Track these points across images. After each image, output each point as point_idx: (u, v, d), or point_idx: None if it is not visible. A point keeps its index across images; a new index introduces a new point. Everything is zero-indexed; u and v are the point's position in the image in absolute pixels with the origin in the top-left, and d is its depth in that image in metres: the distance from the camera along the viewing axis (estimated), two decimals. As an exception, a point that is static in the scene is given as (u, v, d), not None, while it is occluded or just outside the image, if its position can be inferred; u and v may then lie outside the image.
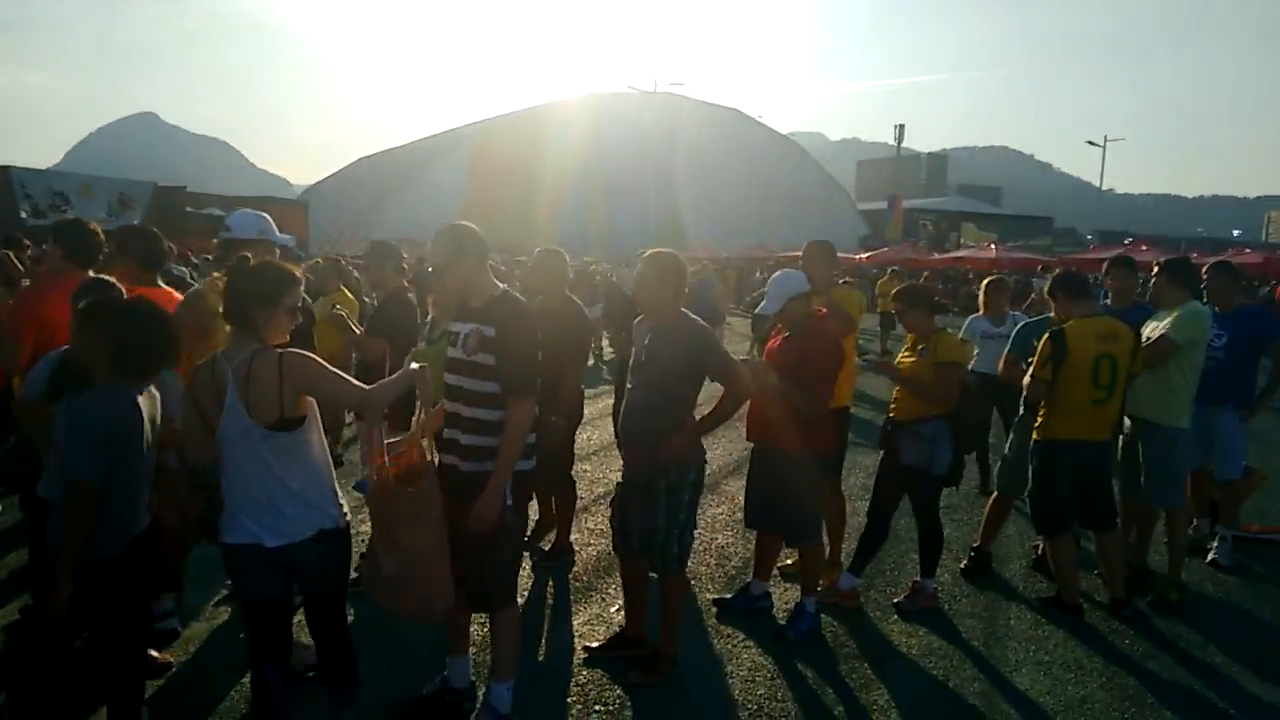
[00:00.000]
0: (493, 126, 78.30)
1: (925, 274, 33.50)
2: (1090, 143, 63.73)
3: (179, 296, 4.31)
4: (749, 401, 4.47)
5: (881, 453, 5.09)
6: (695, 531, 6.02)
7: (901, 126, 74.03)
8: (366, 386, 3.17)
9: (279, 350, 2.91)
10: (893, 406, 5.01)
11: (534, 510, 5.62)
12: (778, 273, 4.73)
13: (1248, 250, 47.26)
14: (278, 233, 4.72)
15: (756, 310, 4.76)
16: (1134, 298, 5.87)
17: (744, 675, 4.10)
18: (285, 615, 3.16)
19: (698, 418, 4.00)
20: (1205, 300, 5.58)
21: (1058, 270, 5.27)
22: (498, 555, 3.39)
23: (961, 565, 5.53)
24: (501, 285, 3.51)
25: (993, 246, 42.51)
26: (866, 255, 41.41)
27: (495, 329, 3.31)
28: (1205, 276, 5.70)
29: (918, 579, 5.03)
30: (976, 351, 7.01)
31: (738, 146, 77.31)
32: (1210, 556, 5.77)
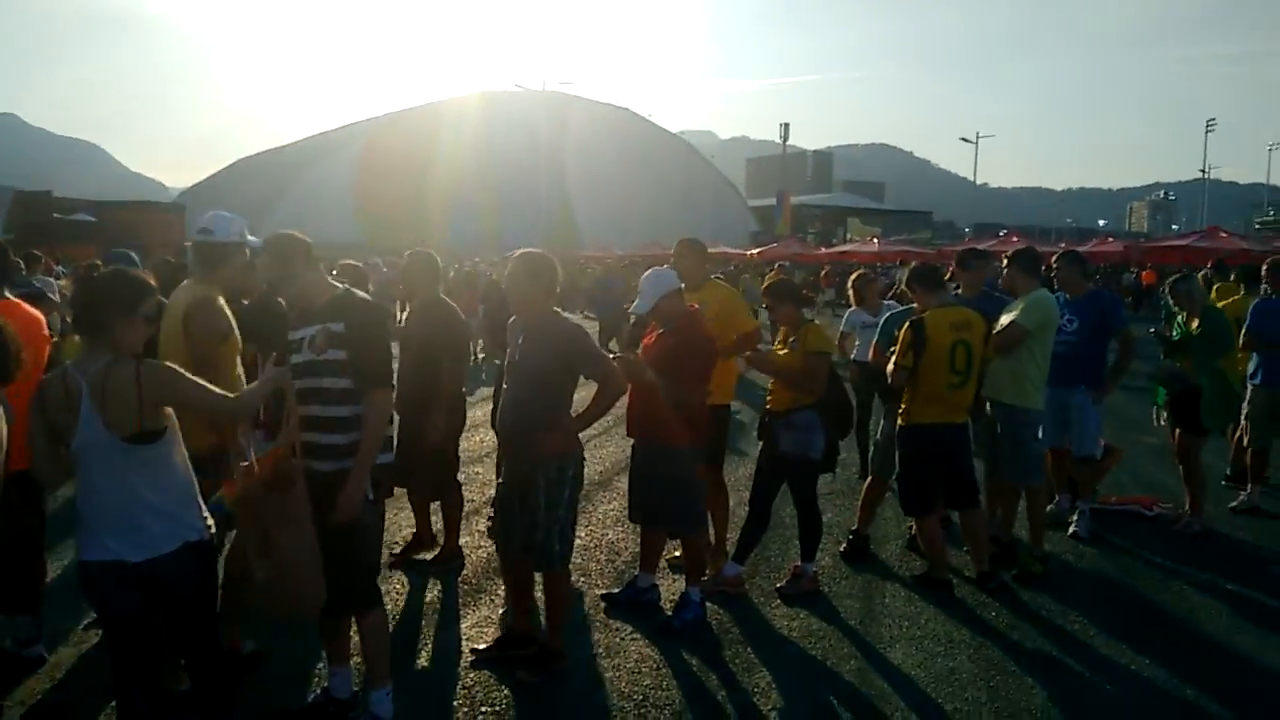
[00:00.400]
0: (381, 125, 76.60)
1: (825, 269, 34.50)
2: (964, 139, 66.59)
3: (31, 310, 4.10)
4: (628, 398, 4.56)
5: (761, 444, 5.24)
6: (586, 528, 6.17)
7: (787, 125, 75.72)
8: (229, 395, 3.10)
9: (136, 360, 2.82)
10: (768, 399, 5.16)
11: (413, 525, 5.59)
12: (649, 271, 4.81)
13: (1111, 239, 50.23)
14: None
15: (630, 309, 4.85)
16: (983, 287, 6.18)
17: (630, 667, 4.17)
18: (151, 636, 3.05)
19: (574, 415, 4.05)
20: (1055, 288, 5.92)
21: (913, 264, 5.52)
22: (357, 555, 3.38)
23: (841, 548, 5.73)
24: (341, 285, 3.52)
25: (876, 240, 44.02)
26: (757, 251, 42.32)
27: (344, 323, 3.33)
28: (1054, 265, 6.05)
29: (799, 564, 5.20)
30: (858, 343, 7.32)
31: (629, 145, 77.74)
32: (1071, 529, 6.13)
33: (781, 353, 5.09)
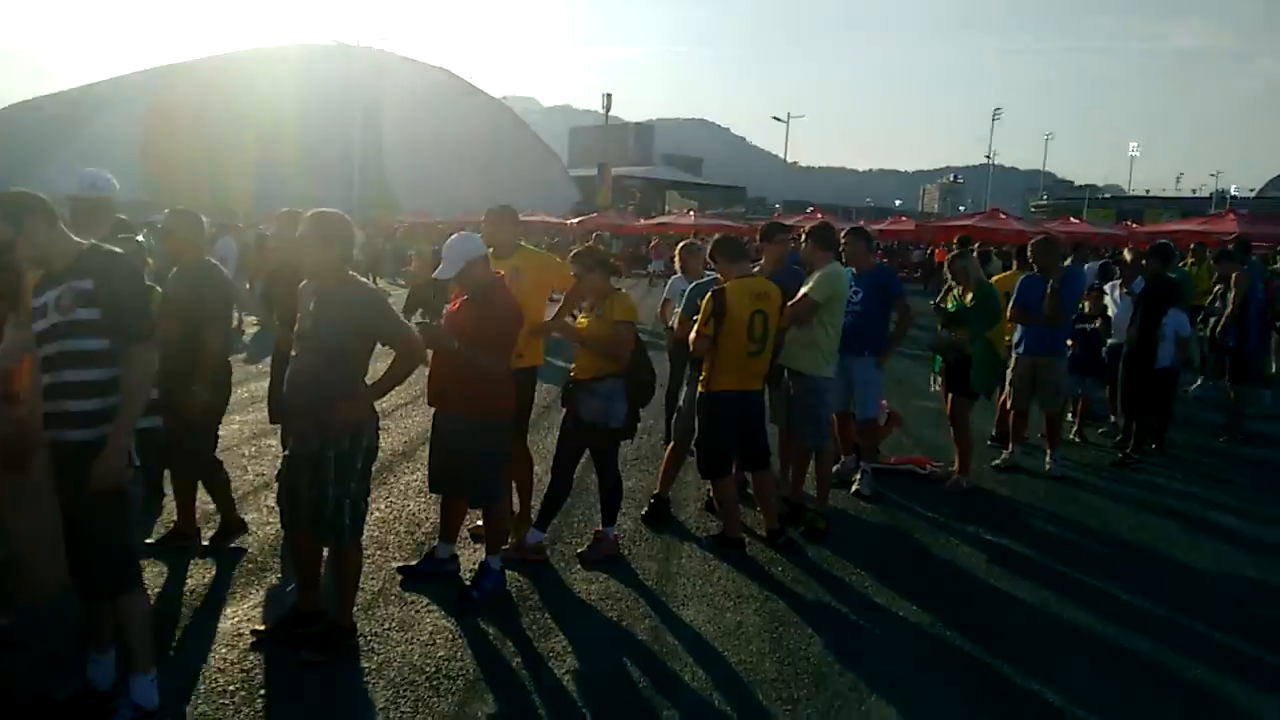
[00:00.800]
0: (173, 74, 70.61)
1: (655, 241, 34.91)
2: (776, 119, 69.01)
3: None
4: (430, 367, 4.44)
5: (563, 411, 5.24)
6: (386, 500, 5.99)
7: (610, 96, 75.87)
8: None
9: None
10: (573, 366, 5.17)
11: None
12: (453, 235, 4.69)
13: (905, 218, 53.66)
14: None
15: (434, 274, 4.71)
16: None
17: (424, 640, 4.09)
18: None
19: (369, 384, 3.90)
20: (844, 261, 6.24)
21: (716, 236, 5.68)
22: (110, 530, 3.12)
23: (643, 512, 5.86)
24: (85, 241, 3.24)
25: (692, 213, 45.04)
26: (578, 220, 42.33)
27: (92, 279, 3.07)
28: (842, 241, 6.37)
29: (600, 529, 5.27)
30: (677, 310, 7.42)
31: (449, 109, 75.40)
32: (854, 488, 6.53)
33: (587, 321, 5.11)
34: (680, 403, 6.06)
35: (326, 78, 66.30)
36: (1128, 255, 9.58)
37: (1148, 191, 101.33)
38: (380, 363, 3.88)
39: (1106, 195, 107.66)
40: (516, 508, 5.36)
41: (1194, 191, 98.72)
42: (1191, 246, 13.97)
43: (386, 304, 4.03)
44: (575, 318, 5.35)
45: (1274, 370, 10.90)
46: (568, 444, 5.18)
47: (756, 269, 5.82)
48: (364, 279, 4.04)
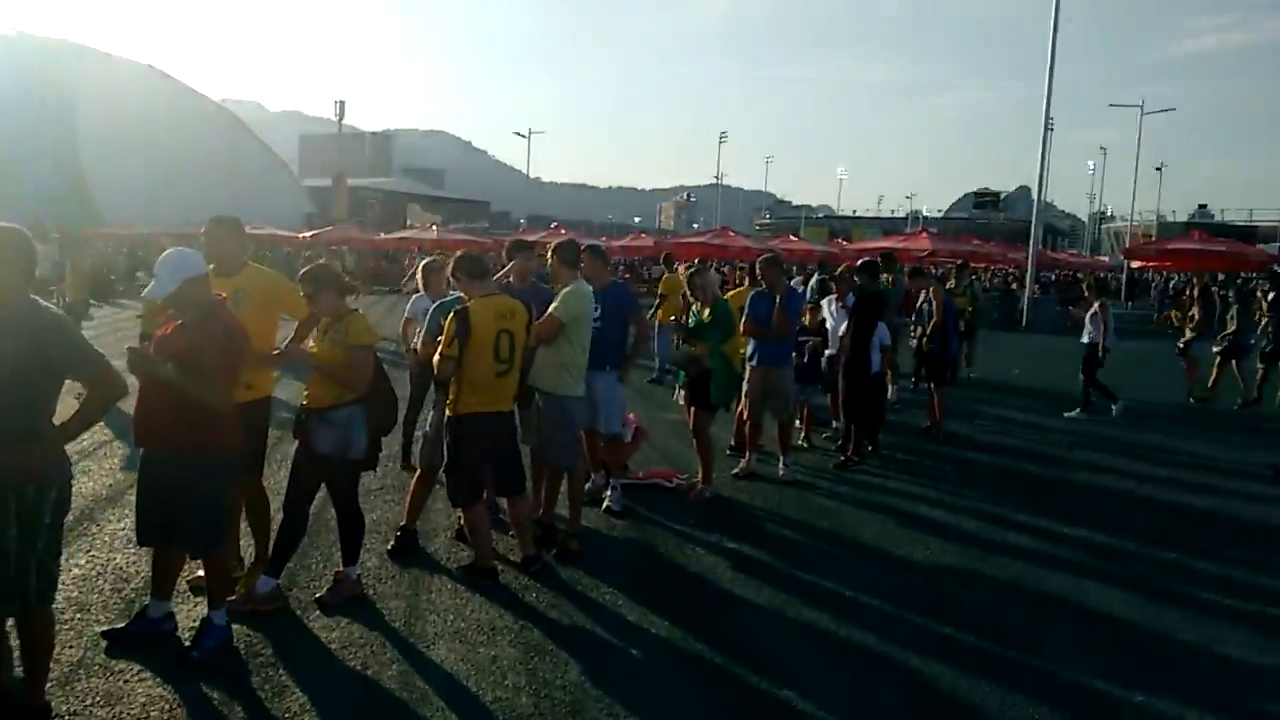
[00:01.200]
0: None
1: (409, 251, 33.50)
2: (518, 134, 69.34)
3: None
4: (137, 399, 3.94)
5: (296, 444, 4.85)
6: (86, 555, 5.28)
7: (343, 103, 72.71)
8: None
9: None
10: (305, 394, 4.79)
11: None
12: (169, 251, 4.20)
13: (644, 234, 55.67)
14: None
15: (144, 293, 4.19)
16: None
17: (135, 714, 3.60)
18: None
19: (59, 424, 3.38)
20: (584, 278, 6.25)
21: (460, 252, 5.51)
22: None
23: (388, 546, 5.55)
24: None
25: (434, 228, 44.12)
26: (311, 234, 40.11)
27: None
28: (581, 259, 6.38)
29: (341, 569, 4.92)
30: (420, 329, 7.12)
31: (159, 110, 68.91)
32: (605, 505, 6.58)
33: (320, 345, 4.75)
34: (426, 427, 5.82)
35: (9, 71, 58.56)
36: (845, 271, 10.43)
37: (854, 212, 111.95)
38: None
39: (820, 215, 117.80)
40: (252, 552, 4.89)
41: (892, 212, 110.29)
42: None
43: (74, 330, 3.53)
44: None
45: (965, 375, 12.29)
46: (301, 479, 4.79)
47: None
48: (49, 303, 3.51)
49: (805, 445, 9.07)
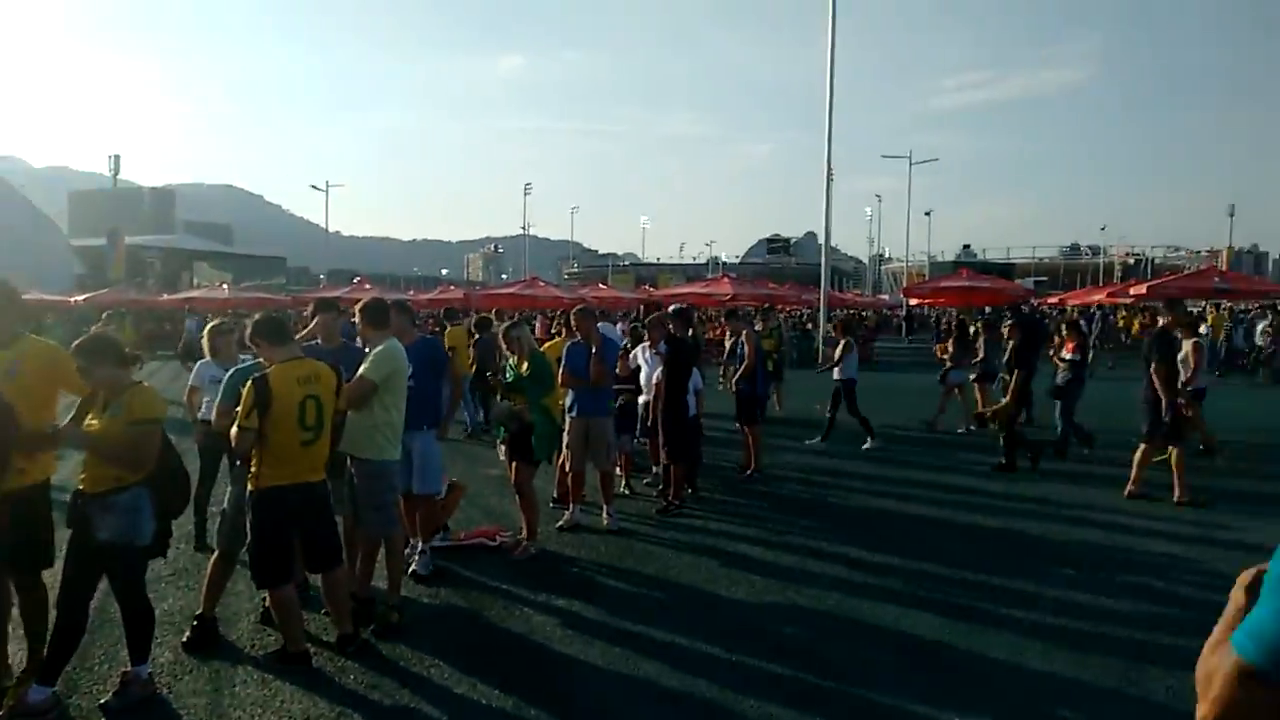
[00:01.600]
0: None
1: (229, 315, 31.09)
2: (314, 187, 66.83)
3: None
4: None
5: (70, 532, 4.33)
6: None
7: (118, 157, 67.79)
8: None
9: None
10: (81, 476, 4.30)
11: None
12: None
13: (453, 286, 54.94)
14: None
15: None
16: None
17: None
18: None
19: None
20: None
21: (258, 315, 5.17)
22: None
23: (185, 638, 5.05)
24: None
25: (225, 286, 41.64)
26: (84, 297, 36.85)
27: None
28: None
29: (128, 669, 4.41)
30: (206, 399, 6.64)
31: (-107, 164, 61.57)
32: (411, 569, 6.28)
33: (97, 422, 4.28)
34: (225, 504, 5.37)
35: None
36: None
37: (658, 259, 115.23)
38: None
39: (626, 263, 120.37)
40: (23, 659, 4.31)
41: (694, 258, 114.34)
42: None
43: None
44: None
45: (776, 411, 12.76)
46: (79, 570, 4.28)
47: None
48: None
49: (628, 492, 9.10)
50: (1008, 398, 10.65)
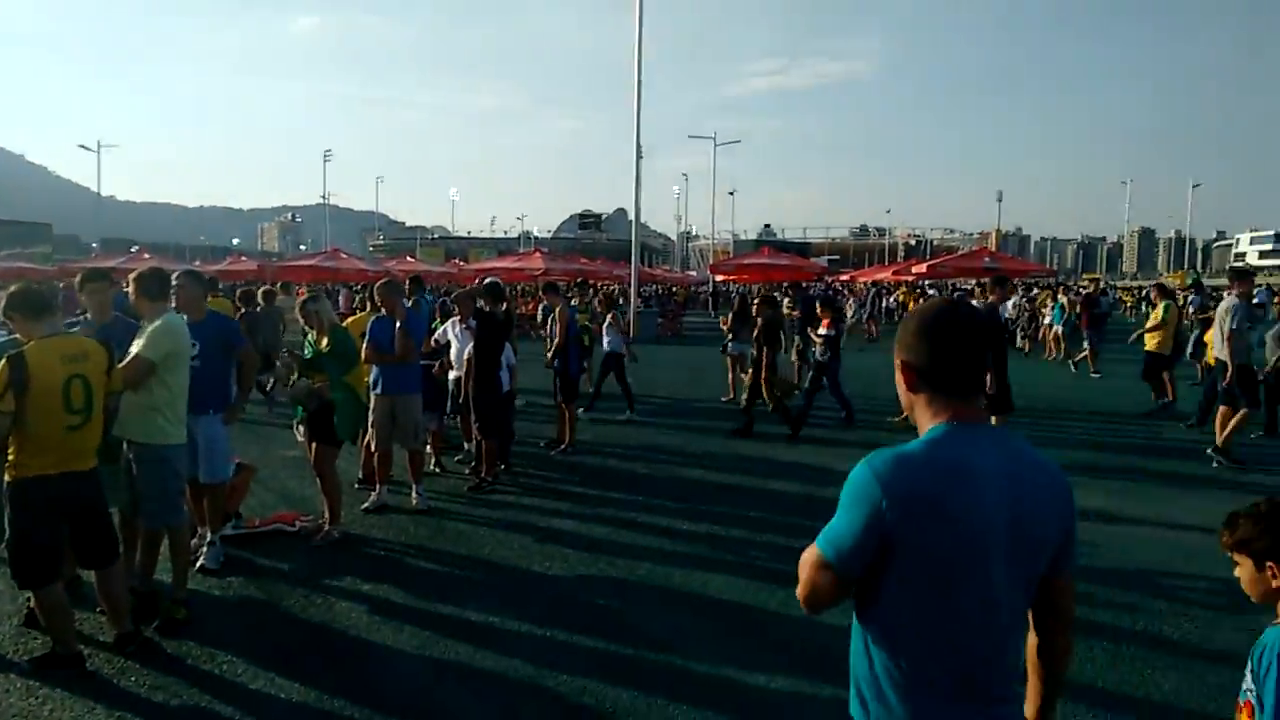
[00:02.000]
0: None
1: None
2: (84, 147, 60.82)
3: None
4: None
5: None
6: None
7: None
8: None
9: None
10: None
11: None
12: None
13: (245, 257, 51.75)
14: None
15: None
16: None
17: None
18: None
19: None
20: (177, 309, 5.57)
21: (13, 287, 4.61)
22: None
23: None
24: None
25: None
26: None
27: None
28: (174, 285, 5.68)
29: None
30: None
31: None
32: (199, 564, 5.86)
33: None
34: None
35: None
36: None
37: (469, 233, 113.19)
38: None
39: (435, 236, 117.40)
40: None
41: (505, 232, 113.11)
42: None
43: None
44: None
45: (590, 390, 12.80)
46: None
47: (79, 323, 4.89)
48: None
49: (438, 471, 8.89)
50: (753, 372, 11.25)
